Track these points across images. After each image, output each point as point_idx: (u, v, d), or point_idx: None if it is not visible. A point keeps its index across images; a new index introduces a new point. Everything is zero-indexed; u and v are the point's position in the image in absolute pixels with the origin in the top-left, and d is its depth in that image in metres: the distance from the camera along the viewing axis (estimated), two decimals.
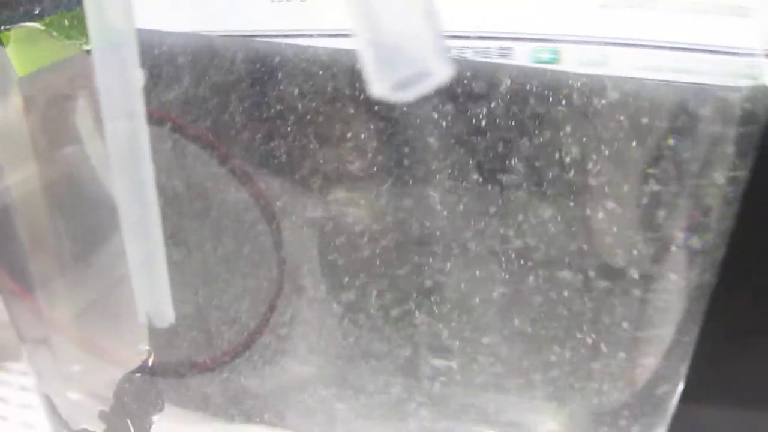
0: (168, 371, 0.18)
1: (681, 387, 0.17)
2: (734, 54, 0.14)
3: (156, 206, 0.11)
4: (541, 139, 0.13)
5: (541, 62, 0.14)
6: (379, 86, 0.07)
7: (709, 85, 0.14)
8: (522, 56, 0.14)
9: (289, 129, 0.14)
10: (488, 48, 0.14)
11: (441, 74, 0.07)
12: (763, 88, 0.14)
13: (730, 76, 0.14)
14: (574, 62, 0.14)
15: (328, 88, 0.14)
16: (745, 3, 0.13)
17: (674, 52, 0.13)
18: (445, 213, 0.14)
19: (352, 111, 0.14)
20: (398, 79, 0.07)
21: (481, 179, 0.14)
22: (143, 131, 0.11)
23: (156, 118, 0.15)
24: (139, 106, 0.11)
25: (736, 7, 0.13)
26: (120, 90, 0.11)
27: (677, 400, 0.17)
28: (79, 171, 0.18)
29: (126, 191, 0.11)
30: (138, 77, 0.10)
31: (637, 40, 0.13)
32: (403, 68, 0.07)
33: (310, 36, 0.14)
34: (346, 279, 0.16)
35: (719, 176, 0.15)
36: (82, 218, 0.18)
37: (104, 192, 0.17)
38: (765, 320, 0.21)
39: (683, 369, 0.17)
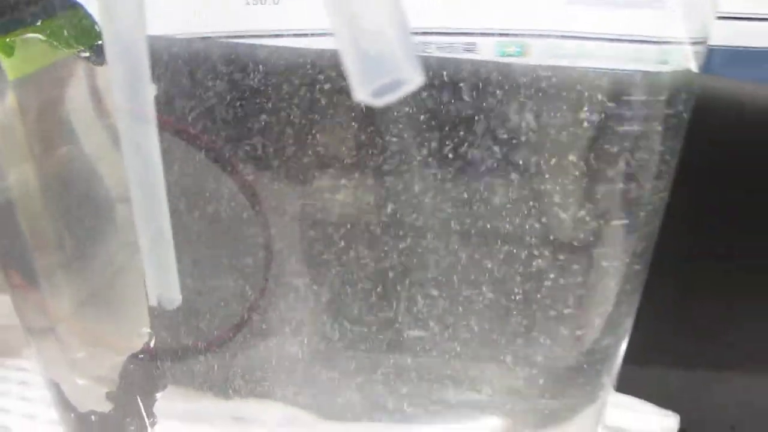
0: (169, 353, 0.20)
1: (624, 348, 0.19)
2: (654, 42, 0.16)
3: (164, 198, 0.13)
4: (494, 128, 0.15)
5: (508, 56, 0.16)
6: (360, 93, 0.09)
7: (639, 71, 0.16)
8: (487, 51, 0.16)
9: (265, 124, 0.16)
10: (453, 43, 0.16)
11: (415, 81, 0.09)
12: (687, 71, 0.17)
13: (653, 62, 0.16)
14: (542, 56, 0.16)
15: (302, 85, 0.15)
16: None
17: (606, 43, 0.16)
18: (403, 197, 0.16)
19: (324, 108, 0.16)
20: (377, 87, 0.09)
21: (441, 164, 0.16)
22: (153, 131, 0.13)
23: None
24: (150, 110, 0.12)
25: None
26: (132, 93, 0.12)
27: (621, 361, 0.19)
28: (74, 168, 0.19)
29: (137, 186, 0.13)
30: (149, 84, 0.12)
31: (577, 32, 0.16)
32: (380, 77, 0.09)
33: (283, 36, 0.16)
34: (322, 262, 0.18)
35: (651, 154, 0.17)
36: (78, 213, 0.20)
37: (99, 188, 0.19)
38: (698, 285, 0.24)
39: (627, 332, 0.19)
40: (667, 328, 0.23)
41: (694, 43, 0.16)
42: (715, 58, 0.23)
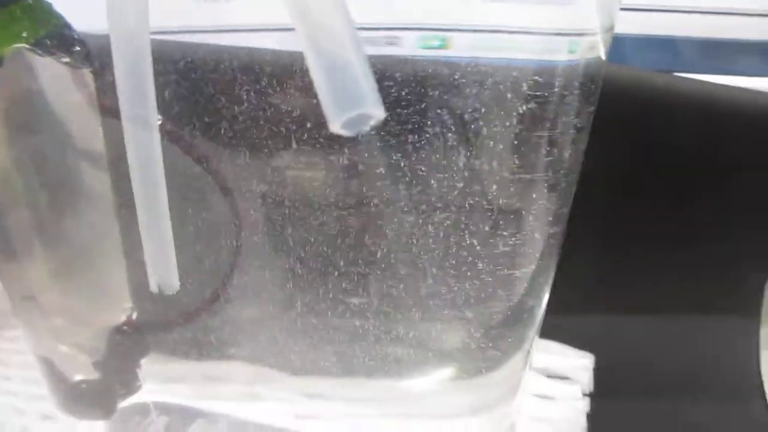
0: (150, 325, 0.21)
1: (546, 300, 0.21)
2: (566, 34, 0.18)
3: (164, 191, 0.15)
4: (431, 111, 0.17)
5: (430, 48, 0.17)
6: (333, 126, 0.12)
7: (556, 60, 0.18)
8: (410, 44, 0.17)
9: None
10: (376, 37, 0.18)
11: (378, 115, 0.11)
12: (598, 59, 0.18)
13: (565, 52, 0.18)
14: (464, 48, 0.17)
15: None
16: None
17: (520, 36, 0.17)
18: (348, 174, 0.18)
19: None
20: (346, 120, 0.12)
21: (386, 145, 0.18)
22: (156, 128, 0.14)
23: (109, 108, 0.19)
24: (151, 102, 0.14)
25: None
26: (134, 86, 0.14)
27: (544, 310, 0.22)
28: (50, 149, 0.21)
29: (138, 180, 0.14)
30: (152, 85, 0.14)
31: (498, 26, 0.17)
32: (349, 111, 0.11)
33: (236, 32, 0.17)
34: (281, 235, 0.19)
35: (569, 129, 0.19)
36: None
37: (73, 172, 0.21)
38: (610, 241, 0.27)
39: (549, 284, 0.21)
40: (583, 280, 0.26)
41: (602, 34, 0.18)
42: (621, 46, 0.26)
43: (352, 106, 0.12)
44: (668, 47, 0.27)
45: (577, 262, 0.23)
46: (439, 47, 0.17)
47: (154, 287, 0.16)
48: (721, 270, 0.30)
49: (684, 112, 0.26)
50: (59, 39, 0.17)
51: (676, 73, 0.26)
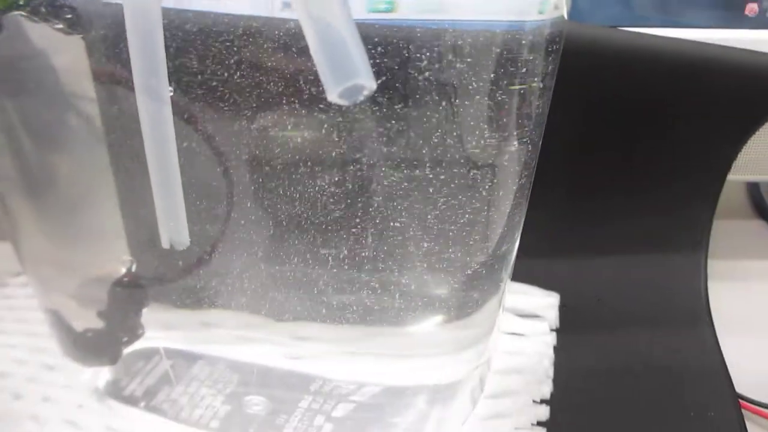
0: (150, 278, 0.23)
1: (517, 245, 0.23)
2: None
3: (175, 154, 0.16)
4: (408, 77, 0.18)
5: (378, 11, 0.18)
6: (330, 95, 0.13)
7: (521, 21, 0.18)
8: (358, 7, 0.17)
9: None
10: None
11: (371, 86, 0.13)
12: (561, 17, 0.19)
13: (535, 13, 0.19)
14: (410, 10, 0.17)
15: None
16: None
17: None
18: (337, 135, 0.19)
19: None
20: (342, 90, 0.13)
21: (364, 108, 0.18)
22: (167, 94, 0.15)
23: (110, 76, 0.20)
24: (163, 73, 0.15)
25: None
26: (147, 60, 0.15)
27: (515, 256, 0.23)
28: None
29: (151, 147, 0.15)
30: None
31: None
32: (344, 82, 0.13)
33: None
34: (269, 194, 0.20)
35: (535, 86, 0.20)
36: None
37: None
38: (570, 193, 0.28)
39: (519, 231, 0.23)
40: (548, 226, 0.27)
41: None
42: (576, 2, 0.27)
43: (347, 78, 0.13)
44: (621, 2, 0.28)
45: (542, 210, 0.24)
46: (386, 11, 0.18)
47: (165, 243, 0.17)
48: (672, 211, 0.32)
49: (632, 65, 0.27)
50: (53, 6, 0.18)
51: (627, 28, 0.28)
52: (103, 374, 0.24)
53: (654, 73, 0.27)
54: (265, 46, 0.18)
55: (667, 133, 0.29)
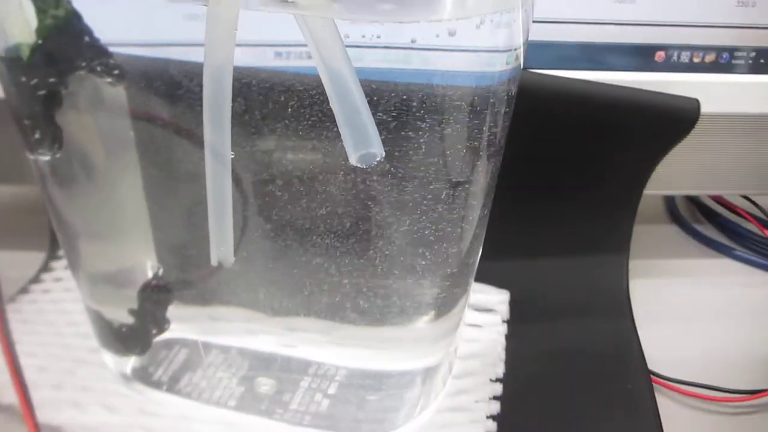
0: (174, 282, 0.27)
1: (481, 250, 0.26)
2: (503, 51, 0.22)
3: (230, 197, 0.19)
4: (404, 121, 0.20)
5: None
6: (350, 159, 0.17)
7: (495, 71, 0.21)
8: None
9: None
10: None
11: (381, 154, 0.17)
12: (518, 66, 0.22)
13: (503, 64, 0.21)
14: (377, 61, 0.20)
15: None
16: (509, 19, 0.20)
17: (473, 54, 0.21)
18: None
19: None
20: (359, 156, 0.17)
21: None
22: (227, 134, 0.18)
23: (147, 118, 0.24)
24: (227, 115, 0.18)
25: (504, 23, 0.21)
26: (213, 98, 0.18)
27: (479, 258, 0.27)
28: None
29: (211, 181, 0.19)
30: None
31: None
32: (361, 149, 0.17)
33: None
34: (272, 213, 0.23)
35: (502, 123, 0.23)
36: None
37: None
38: (520, 208, 0.33)
39: (482, 241, 0.26)
40: (499, 236, 0.31)
41: (524, 46, 0.22)
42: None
43: (363, 147, 0.18)
44: (556, 50, 0.33)
45: (494, 223, 0.27)
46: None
47: (214, 261, 0.21)
48: (600, 221, 0.36)
49: (564, 104, 0.32)
50: (106, 66, 0.22)
51: (560, 71, 0.32)
52: (131, 363, 0.28)
53: (581, 110, 0.32)
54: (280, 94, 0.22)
55: (594, 157, 0.34)
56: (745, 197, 0.45)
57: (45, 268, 0.35)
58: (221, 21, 0.15)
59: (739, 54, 0.34)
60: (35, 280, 0.34)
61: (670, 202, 0.48)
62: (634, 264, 0.37)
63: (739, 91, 0.35)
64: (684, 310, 0.37)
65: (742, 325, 0.35)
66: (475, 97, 0.22)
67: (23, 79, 0.21)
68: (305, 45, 0.17)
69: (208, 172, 0.19)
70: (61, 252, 0.35)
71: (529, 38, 0.23)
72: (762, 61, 0.35)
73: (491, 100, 0.22)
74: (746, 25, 0.34)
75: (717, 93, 0.34)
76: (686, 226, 0.45)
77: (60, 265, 0.35)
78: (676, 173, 0.38)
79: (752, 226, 0.43)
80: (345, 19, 0.16)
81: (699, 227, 0.44)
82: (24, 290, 0.33)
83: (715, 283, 0.40)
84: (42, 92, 0.21)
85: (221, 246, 0.20)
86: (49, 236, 0.36)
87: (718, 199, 0.46)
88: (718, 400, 0.30)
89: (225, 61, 0.16)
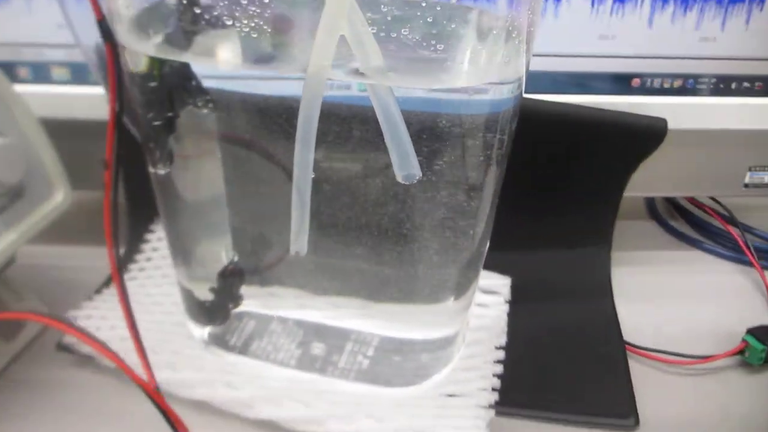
0: (246, 266, 0.33)
1: (488, 245, 0.32)
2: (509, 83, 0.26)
3: (309, 194, 0.25)
4: (438, 141, 0.26)
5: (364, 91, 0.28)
6: (397, 177, 0.23)
7: (507, 97, 0.26)
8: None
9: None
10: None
11: (419, 174, 0.23)
12: (521, 93, 0.27)
13: (512, 92, 0.26)
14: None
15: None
16: (516, 59, 0.25)
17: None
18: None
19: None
20: (403, 176, 0.24)
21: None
22: (311, 151, 0.24)
23: (230, 137, 0.31)
24: (312, 136, 0.24)
25: (511, 63, 0.25)
26: (303, 131, 0.24)
27: (487, 248, 0.32)
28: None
29: (296, 192, 0.26)
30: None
31: None
32: (405, 169, 0.24)
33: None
34: (323, 213, 0.29)
35: (508, 139, 0.27)
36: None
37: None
38: (518, 209, 0.39)
39: (490, 235, 0.32)
40: (503, 231, 0.36)
41: (525, 76, 0.27)
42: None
43: (407, 169, 0.24)
44: (547, 78, 0.40)
45: (499, 220, 0.32)
46: None
47: (293, 252, 0.26)
48: (586, 218, 0.42)
49: (554, 122, 0.38)
50: (204, 101, 0.29)
51: (553, 96, 0.38)
52: (210, 332, 0.35)
53: (569, 128, 0.38)
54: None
55: (580, 166, 0.40)
56: (713, 198, 0.51)
57: (129, 259, 0.41)
58: (315, 84, 0.22)
59: (703, 80, 0.41)
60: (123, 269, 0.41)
61: (650, 202, 0.54)
62: (616, 255, 0.43)
63: (703, 111, 0.41)
64: (656, 293, 0.43)
65: (704, 305, 0.42)
66: (488, 121, 0.27)
67: (150, 114, 0.28)
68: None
69: (295, 183, 0.25)
70: (142, 245, 0.42)
71: (529, 69, 0.28)
72: (722, 85, 0.41)
73: (500, 122, 0.27)
74: (708, 57, 0.40)
75: (684, 112, 0.41)
76: (663, 222, 0.51)
77: (142, 257, 0.41)
78: (655, 178, 0.43)
79: (718, 223, 0.49)
80: (396, 85, 0.23)
81: (674, 223, 0.51)
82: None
83: (685, 270, 0.46)
84: (160, 122, 0.28)
85: (299, 240, 0.26)
86: (127, 232, 0.43)
87: (691, 200, 0.52)
88: (677, 363, 0.37)
89: (315, 107, 0.23)
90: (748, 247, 0.45)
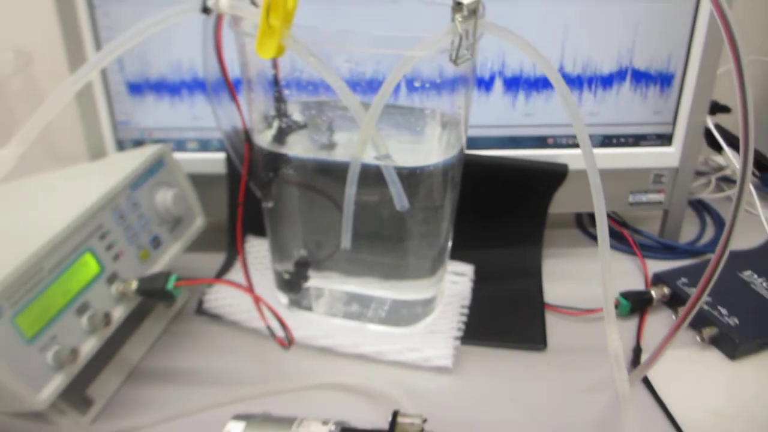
0: (312, 259, 0.56)
1: (451, 242, 0.55)
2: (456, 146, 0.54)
3: (352, 210, 0.49)
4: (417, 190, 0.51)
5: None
6: (397, 207, 0.46)
7: (457, 154, 0.52)
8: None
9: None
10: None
11: (408, 205, 0.46)
12: (462, 150, 0.54)
13: (457, 151, 0.54)
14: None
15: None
16: (458, 131, 0.52)
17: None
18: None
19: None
20: (399, 206, 0.46)
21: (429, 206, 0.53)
22: (353, 190, 0.49)
23: (305, 184, 0.54)
24: (354, 183, 0.49)
25: (454, 135, 0.53)
26: (350, 177, 0.49)
27: (450, 245, 0.55)
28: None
29: (346, 208, 0.49)
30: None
31: None
32: (400, 204, 0.46)
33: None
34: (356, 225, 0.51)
35: (458, 181, 0.52)
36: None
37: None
38: (469, 218, 0.63)
39: (451, 235, 0.54)
40: (466, 236, 0.58)
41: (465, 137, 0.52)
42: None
43: (401, 202, 0.47)
44: (487, 140, 0.63)
45: (462, 229, 0.54)
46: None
47: (343, 246, 0.50)
48: (522, 227, 0.63)
49: (489, 168, 0.59)
50: (290, 166, 0.53)
51: (489, 151, 0.62)
52: (290, 298, 0.57)
53: (500, 171, 0.59)
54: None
55: (515, 194, 0.61)
56: (613, 212, 0.74)
57: (230, 260, 0.65)
58: (356, 163, 0.46)
59: (593, 137, 0.65)
60: (227, 266, 0.65)
61: (577, 216, 0.76)
62: (548, 251, 0.64)
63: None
64: (572, 275, 0.64)
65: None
66: (444, 169, 0.49)
67: (264, 173, 0.51)
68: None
69: (345, 207, 0.48)
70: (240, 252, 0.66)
71: (468, 134, 0.50)
72: (606, 141, 0.65)
73: (451, 170, 0.48)
74: (594, 124, 0.64)
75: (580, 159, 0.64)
76: (584, 229, 0.73)
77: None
78: (569, 201, 0.65)
79: (616, 228, 0.72)
80: (393, 164, 0.47)
81: (591, 230, 0.72)
82: (223, 270, 0.64)
83: (592, 260, 0.62)
84: (269, 178, 0.52)
85: (346, 237, 0.49)
86: (227, 243, 0.67)
87: None
88: (574, 314, 0.59)
89: (356, 171, 0.46)
90: (635, 244, 0.68)
